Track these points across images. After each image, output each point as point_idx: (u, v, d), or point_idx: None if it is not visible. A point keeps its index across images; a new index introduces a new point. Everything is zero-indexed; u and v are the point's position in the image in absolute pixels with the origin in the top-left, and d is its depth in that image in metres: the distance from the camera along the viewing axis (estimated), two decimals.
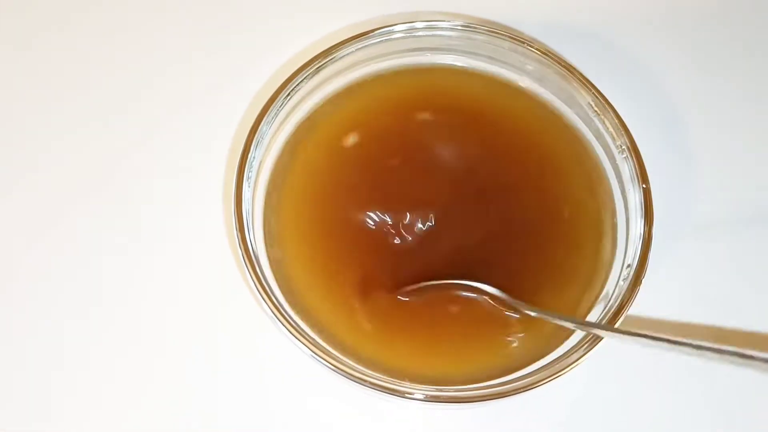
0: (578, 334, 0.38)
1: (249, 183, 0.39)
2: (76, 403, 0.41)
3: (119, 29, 0.50)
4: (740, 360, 0.27)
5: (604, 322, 0.37)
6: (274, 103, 0.40)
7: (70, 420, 0.41)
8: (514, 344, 0.40)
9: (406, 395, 0.35)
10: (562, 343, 0.38)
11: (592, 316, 0.39)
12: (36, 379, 0.42)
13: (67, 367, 0.42)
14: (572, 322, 0.37)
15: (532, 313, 0.38)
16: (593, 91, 0.41)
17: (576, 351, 0.36)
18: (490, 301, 0.40)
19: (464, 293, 0.40)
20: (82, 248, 0.44)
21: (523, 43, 0.42)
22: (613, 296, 0.38)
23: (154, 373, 0.42)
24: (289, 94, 0.41)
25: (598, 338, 0.36)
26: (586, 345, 0.37)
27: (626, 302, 0.37)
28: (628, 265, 0.38)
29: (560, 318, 0.37)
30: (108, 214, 0.45)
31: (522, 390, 0.36)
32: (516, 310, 0.39)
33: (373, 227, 0.41)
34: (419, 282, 0.40)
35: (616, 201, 0.41)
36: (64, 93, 0.48)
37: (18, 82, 0.48)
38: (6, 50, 0.49)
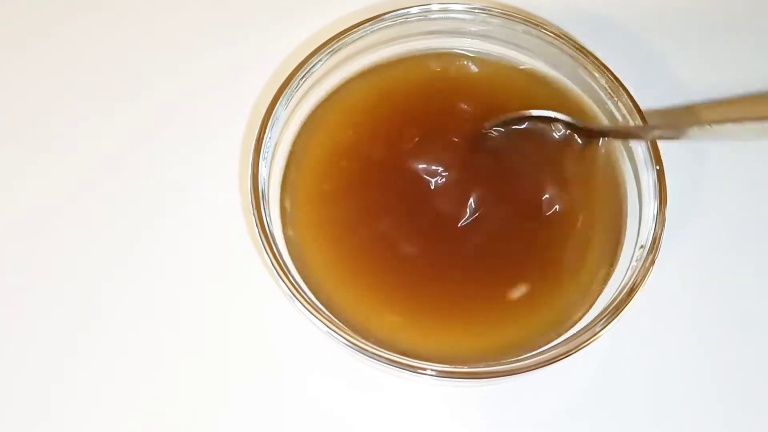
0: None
1: (265, 162, 0.39)
2: (77, 403, 0.41)
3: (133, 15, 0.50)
4: None
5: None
6: (290, 85, 0.40)
7: (70, 420, 0.41)
8: (532, 321, 0.40)
9: (419, 371, 0.36)
10: (578, 319, 0.39)
11: (604, 298, 0.39)
12: (36, 379, 0.42)
13: (68, 367, 0.42)
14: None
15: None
16: (607, 73, 0.41)
17: (592, 327, 0.37)
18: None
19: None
20: (89, 237, 0.44)
21: (537, 26, 0.42)
22: (626, 277, 0.38)
23: (158, 369, 0.42)
24: (304, 76, 0.41)
25: (616, 313, 0.37)
26: (603, 320, 0.37)
27: (639, 282, 0.37)
28: (641, 246, 0.38)
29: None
30: (122, 197, 0.45)
31: (539, 366, 0.36)
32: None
33: (390, 208, 0.41)
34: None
35: (629, 183, 0.41)
36: (78, 80, 0.48)
37: (28, 73, 0.49)
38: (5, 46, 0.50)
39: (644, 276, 0.37)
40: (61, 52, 0.49)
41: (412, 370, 0.36)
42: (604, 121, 0.43)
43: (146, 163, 0.46)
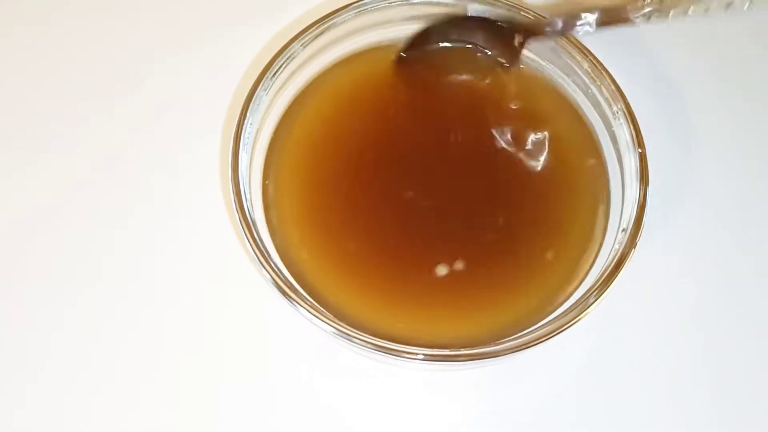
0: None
1: (246, 149, 0.39)
2: (76, 403, 0.41)
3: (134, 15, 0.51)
4: None
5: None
6: (270, 69, 0.40)
7: (70, 420, 0.41)
8: (520, 302, 0.40)
9: (404, 355, 0.35)
10: (566, 298, 0.39)
11: (589, 280, 0.39)
12: (35, 379, 0.42)
13: (67, 367, 0.42)
14: None
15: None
16: (589, 57, 0.41)
17: (583, 301, 0.37)
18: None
19: None
20: (79, 237, 0.45)
21: (519, 9, 0.42)
22: (608, 259, 0.38)
23: (158, 369, 0.42)
24: (286, 61, 0.41)
25: (606, 286, 0.37)
26: (595, 293, 0.37)
27: (621, 264, 0.37)
28: (624, 230, 0.38)
29: None
30: (122, 197, 0.46)
31: (526, 346, 0.36)
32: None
33: (371, 191, 0.42)
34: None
35: (612, 167, 0.41)
36: (77, 79, 0.49)
37: (29, 73, 0.49)
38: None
39: (626, 257, 0.37)
40: (61, 52, 0.49)
41: (398, 354, 0.35)
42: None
43: (146, 163, 0.46)
